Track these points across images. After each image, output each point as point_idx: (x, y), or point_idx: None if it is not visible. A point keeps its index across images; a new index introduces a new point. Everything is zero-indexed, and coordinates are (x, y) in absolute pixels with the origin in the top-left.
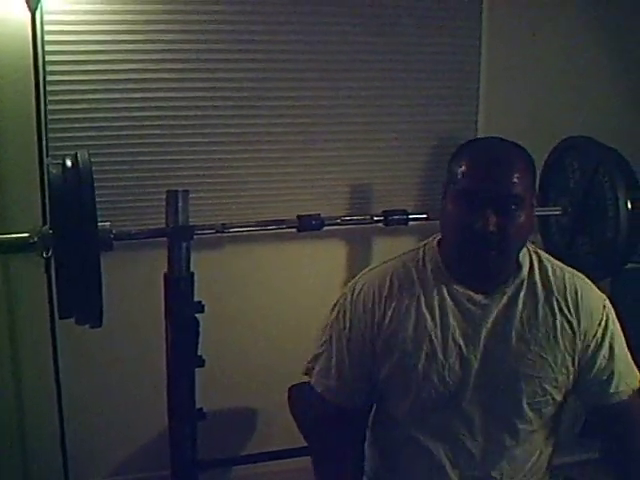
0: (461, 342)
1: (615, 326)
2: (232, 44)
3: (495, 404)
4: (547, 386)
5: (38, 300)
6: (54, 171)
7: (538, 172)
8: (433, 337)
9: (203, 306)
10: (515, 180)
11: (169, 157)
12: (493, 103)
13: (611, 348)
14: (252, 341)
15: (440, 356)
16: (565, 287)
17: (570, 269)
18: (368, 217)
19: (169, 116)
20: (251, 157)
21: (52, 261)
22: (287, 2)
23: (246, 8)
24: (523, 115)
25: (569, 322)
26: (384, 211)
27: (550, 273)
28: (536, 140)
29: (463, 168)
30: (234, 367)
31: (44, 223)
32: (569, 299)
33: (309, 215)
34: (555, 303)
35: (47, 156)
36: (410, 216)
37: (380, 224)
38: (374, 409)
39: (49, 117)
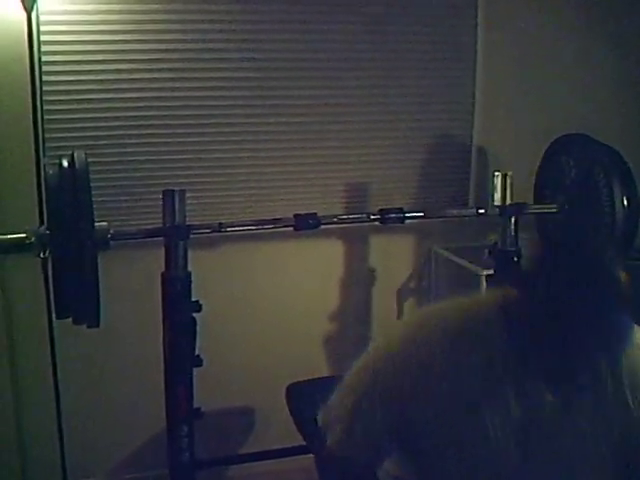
0: (522, 424)
1: None
2: (228, 44)
3: None
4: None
5: (35, 300)
6: (51, 171)
7: (535, 170)
8: (488, 421)
9: (200, 305)
10: None
11: (166, 157)
12: (489, 102)
13: None
14: (250, 340)
15: (494, 438)
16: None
17: None
18: (364, 216)
19: (165, 115)
20: (248, 156)
21: (49, 261)
22: (282, 2)
23: (242, 8)
24: (519, 113)
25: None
26: (380, 209)
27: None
28: (532, 137)
29: None
30: (232, 366)
31: (41, 223)
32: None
33: (306, 214)
34: (628, 389)
35: (44, 156)
36: (406, 214)
37: (377, 222)
38: None
39: (45, 117)
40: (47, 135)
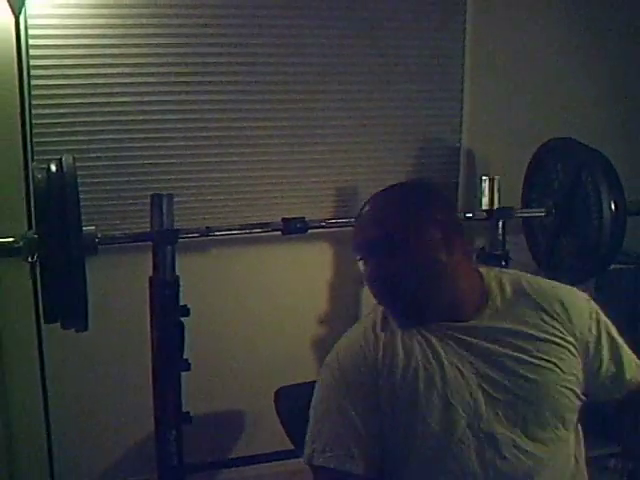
0: (461, 368)
1: (605, 317)
2: (216, 48)
3: (516, 418)
4: (562, 388)
5: (24, 305)
6: (39, 176)
7: (522, 174)
8: (436, 375)
9: (188, 310)
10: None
11: (154, 161)
12: (478, 104)
13: (610, 336)
14: (238, 344)
15: (441, 388)
16: (547, 293)
17: (547, 280)
18: (353, 220)
19: (154, 120)
20: (236, 160)
21: (37, 265)
22: (269, 6)
23: (231, 13)
24: (507, 117)
25: (561, 323)
26: None
27: (527, 286)
28: (520, 141)
29: None
30: (220, 370)
31: (29, 227)
32: (555, 303)
33: (294, 218)
34: (541, 310)
35: (32, 161)
36: None
37: None
38: None
39: (34, 122)
40: (35, 139)
